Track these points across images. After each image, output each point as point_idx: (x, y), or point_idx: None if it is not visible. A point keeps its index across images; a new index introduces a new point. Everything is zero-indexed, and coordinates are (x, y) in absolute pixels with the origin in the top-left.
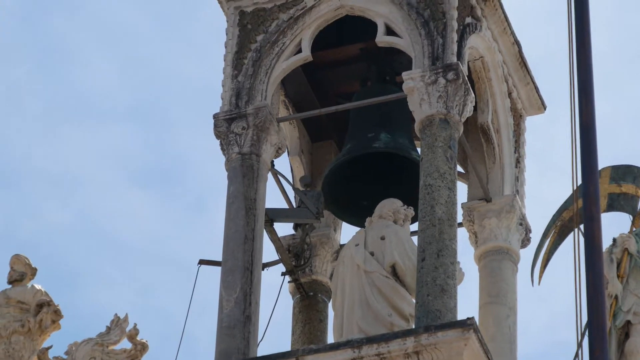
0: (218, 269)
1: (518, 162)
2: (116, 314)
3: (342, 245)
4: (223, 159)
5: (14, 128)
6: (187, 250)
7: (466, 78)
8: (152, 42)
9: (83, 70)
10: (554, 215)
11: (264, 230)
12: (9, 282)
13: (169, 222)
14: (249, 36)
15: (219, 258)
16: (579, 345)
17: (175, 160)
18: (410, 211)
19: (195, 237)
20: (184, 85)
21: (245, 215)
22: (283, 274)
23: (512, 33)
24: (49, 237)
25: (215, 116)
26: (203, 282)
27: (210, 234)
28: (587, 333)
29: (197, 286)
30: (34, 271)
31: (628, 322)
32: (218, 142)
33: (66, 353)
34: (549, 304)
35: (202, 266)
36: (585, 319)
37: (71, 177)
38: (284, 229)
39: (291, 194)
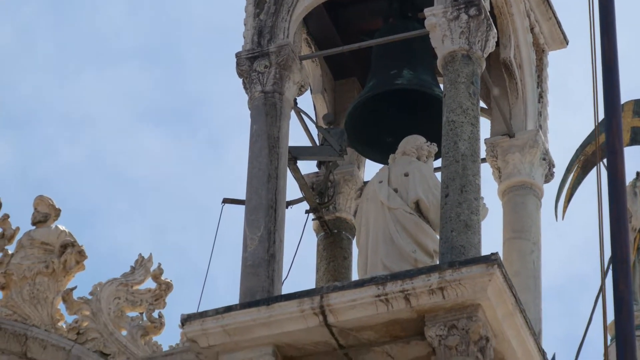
0: (237, 207)
1: (541, 97)
2: (140, 254)
3: (365, 182)
4: (237, 97)
5: (25, 68)
6: (201, 188)
7: (488, 13)
8: None
9: (93, 9)
10: (577, 150)
11: (288, 169)
12: (33, 224)
13: (182, 160)
14: None
15: (236, 195)
16: (603, 279)
17: (188, 99)
18: (434, 147)
19: (209, 175)
20: (194, 23)
21: (268, 153)
22: (307, 211)
23: None
24: (63, 177)
25: (237, 55)
26: (222, 221)
27: (224, 172)
28: (610, 267)
29: (214, 226)
30: (57, 212)
31: None
32: (234, 80)
33: (91, 293)
34: (570, 238)
35: (226, 205)
36: (608, 254)
37: (83, 116)
38: (307, 166)
39: (314, 131)
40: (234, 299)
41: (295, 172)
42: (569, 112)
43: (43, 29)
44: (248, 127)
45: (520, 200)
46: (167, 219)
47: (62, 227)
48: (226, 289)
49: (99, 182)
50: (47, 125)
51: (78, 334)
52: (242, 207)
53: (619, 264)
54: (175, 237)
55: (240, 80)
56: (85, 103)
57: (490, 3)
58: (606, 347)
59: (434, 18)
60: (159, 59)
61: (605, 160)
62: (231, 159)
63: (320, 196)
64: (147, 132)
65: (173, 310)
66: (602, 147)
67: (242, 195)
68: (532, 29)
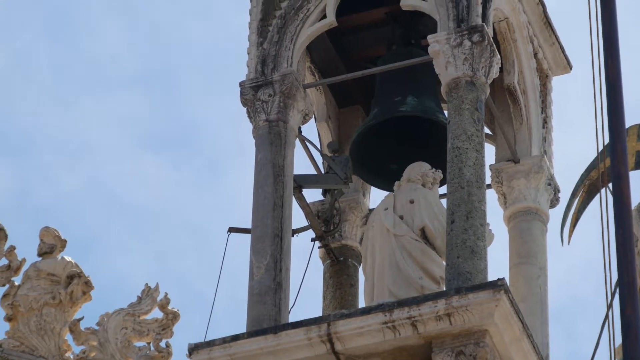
0: (239, 235)
1: (545, 122)
2: (147, 284)
3: (371, 210)
4: (235, 122)
5: (22, 95)
6: (200, 214)
7: (491, 40)
8: (161, 8)
9: (91, 36)
10: (582, 175)
11: (293, 197)
12: (39, 255)
13: (181, 186)
14: (274, 3)
15: (237, 221)
16: (609, 305)
17: (186, 125)
18: (439, 174)
19: (209, 201)
20: (192, 50)
21: (273, 182)
22: (313, 239)
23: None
24: (62, 204)
25: (241, 84)
26: (220, 249)
27: (224, 197)
28: (616, 291)
29: (214, 253)
30: (63, 243)
31: None
32: (233, 106)
33: (98, 324)
34: (569, 260)
35: (232, 234)
36: (615, 278)
37: (81, 143)
38: (312, 195)
39: (319, 159)
40: (237, 327)
41: (301, 200)
42: (573, 137)
43: (40, 56)
44: (246, 152)
45: (526, 226)
46: (167, 246)
47: (68, 258)
48: (229, 316)
49: (98, 209)
50: (46, 153)
51: None
52: (244, 235)
53: (626, 288)
54: (176, 263)
55: (238, 106)
56: (83, 130)
57: (494, 29)
58: None
59: (437, 45)
60: (156, 85)
61: (610, 185)
62: (230, 184)
63: (325, 224)
64: (145, 159)
65: (178, 338)
66: (607, 172)
67: (244, 222)
68: (535, 55)
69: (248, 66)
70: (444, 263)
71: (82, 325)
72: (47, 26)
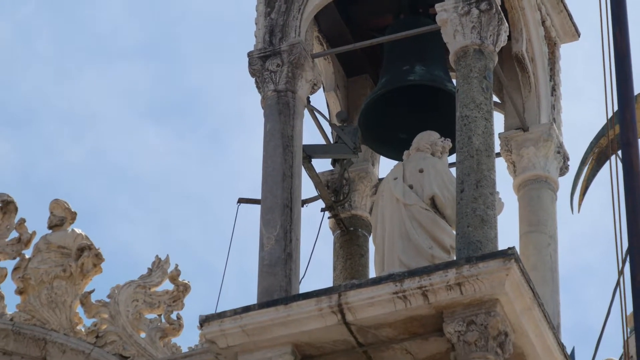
0: (252, 206)
1: (554, 90)
2: (157, 256)
3: (380, 179)
4: (240, 92)
5: (25, 67)
6: (204, 183)
7: (499, 7)
8: None
9: (92, 7)
10: (591, 142)
11: (302, 167)
12: (49, 227)
13: (184, 155)
14: None
15: (243, 191)
16: (620, 272)
17: (188, 94)
18: (448, 143)
19: (212, 170)
20: (193, 18)
21: (282, 152)
22: (322, 210)
23: None
24: (65, 175)
25: (249, 54)
26: (226, 219)
27: (227, 166)
28: (627, 259)
29: (220, 223)
30: (73, 215)
31: None
32: (236, 74)
33: (109, 296)
34: (576, 228)
35: (241, 205)
36: (626, 245)
37: (84, 114)
38: (322, 165)
39: (328, 129)
40: (248, 298)
41: (310, 170)
42: (582, 105)
43: (42, 28)
44: (250, 122)
45: (535, 194)
46: (171, 216)
47: (78, 231)
48: (239, 288)
49: (101, 180)
50: (48, 124)
51: (97, 337)
52: (252, 206)
53: (637, 254)
54: (180, 233)
55: (243, 75)
56: (86, 101)
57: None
58: (626, 338)
59: (445, 13)
60: (158, 55)
61: (620, 152)
62: (235, 153)
63: (335, 194)
64: (148, 129)
65: (189, 310)
66: (616, 139)
67: (249, 192)
68: (543, 22)
69: (256, 36)
70: (454, 232)
71: (93, 298)
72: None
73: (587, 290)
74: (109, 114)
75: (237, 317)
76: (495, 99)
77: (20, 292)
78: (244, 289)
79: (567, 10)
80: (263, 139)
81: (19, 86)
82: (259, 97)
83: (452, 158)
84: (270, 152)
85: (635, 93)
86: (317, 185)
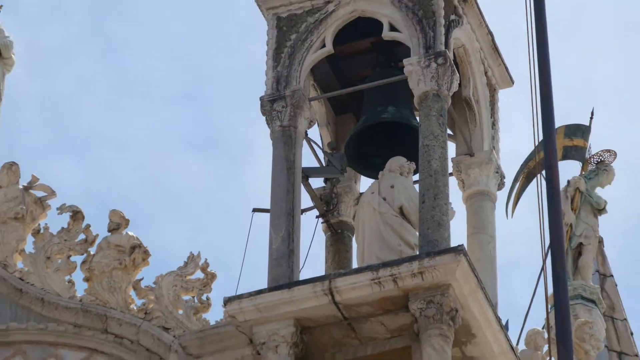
0: (264, 215)
1: (493, 124)
2: (191, 252)
3: (361, 194)
4: (255, 129)
5: (86, 106)
6: (226, 198)
7: (452, 62)
8: (193, 40)
9: (138, 59)
10: (522, 165)
11: (301, 184)
12: (109, 231)
13: (210, 177)
14: (285, 36)
15: (257, 202)
16: (544, 262)
17: (214, 129)
18: (412, 165)
19: (233, 188)
20: (219, 71)
21: (286, 173)
22: (317, 217)
23: (486, 25)
24: (120, 190)
25: (261, 98)
26: (242, 225)
27: (245, 185)
28: (548, 254)
29: (238, 228)
30: (127, 222)
31: (580, 244)
32: (252, 114)
33: (154, 283)
34: (508, 227)
35: (255, 213)
36: (547, 243)
37: (134, 143)
38: (316, 182)
39: (321, 156)
40: (260, 284)
41: (307, 186)
42: (515, 136)
43: (99, 76)
44: (261, 151)
45: (479, 204)
46: (201, 222)
47: (131, 233)
48: (254, 276)
49: (148, 194)
50: (106, 150)
51: (145, 313)
52: (266, 215)
53: (556, 251)
54: (208, 235)
55: (256, 114)
56: (135, 132)
57: (454, 53)
58: (547, 313)
59: (411, 66)
60: (190, 98)
61: (544, 172)
62: (248, 175)
63: (327, 205)
64: (183, 155)
65: (215, 293)
66: (541, 163)
67: (261, 204)
68: (486, 73)
69: (266, 84)
70: (417, 233)
71: (142, 284)
72: (102, 54)
73: (518, 277)
74: (153, 143)
75: (252, 297)
76: (449, 131)
77: (86, 280)
78: (257, 277)
79: (504, 64)
80: (272, 163)
81: (83, 120)
82: (268, 131)
83: (416, 177)
84: (277, 173)
85: (556, 127)
86: (313, 198)
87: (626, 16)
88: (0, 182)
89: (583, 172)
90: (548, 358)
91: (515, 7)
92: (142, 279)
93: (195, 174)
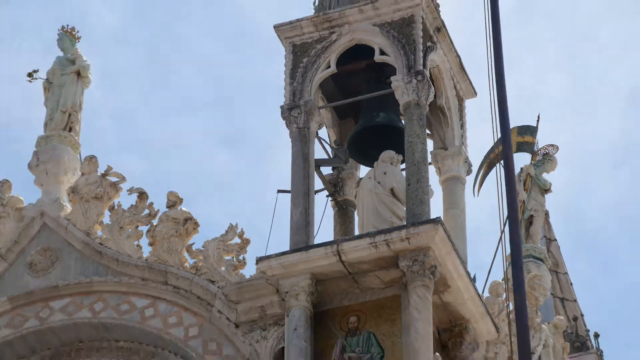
0: (286, 195)
1: (462, 126)
2: (230, 223)
3: (361, 178)
4: (277, 130)
5: (146, 114)
6: (255, 183)
7: (429, 78)
8: (226, 60)
9: (183, 79)
10: (485, 156)
11: (315, 172)
12: (167, 207)
13: (243, 168)
14: (299, 59)
15: (278, 186)
16: (502, 230)
17: (245, 131)
18: (400, 157)
19: (261, 176)
20: (247, 86)
21: (303, 163)
22: (327, 196)
23: (455, 50)
24: (175, 177)
25: (281, 106)
26: (270, 204)
27: (270, 174)
28: (506, 224)
29: (266, 205)
30: (181, 200)
31: (531, 216)
32: (273, 118)
33: (203, 246)
34: (483, 206)
35: (279, 194)
36: (505, 215)
37: (182, 142)
38: (326, 170)
39: (329, 150)
40: (283, 247)
41: (319, 173)
42: (479, 134)
43: (155, 91)
44: (284, 146)
45: (452, 186)
46: (237, 201)
47: (184, 209)
48: (278, 241)
49: (196, 183)
50: (162, 148)
51: (196, 270)
52: (288, 195)
53: (512, 222)
54: (243, 211)
55: (277, 119)
56: (182, 134)
57: (430, 72)
58: (505, 269)
59: (397, 82)
60: (223, 105)
61: (502, 162)
62: (274, 165)
63: (334, 187)
64: (219, 152)
65: (250, 254)
66: (499, 154)
67: (285, 186)
68: (455, 87)
69: (284, 96)
70: (404, 208)
71: (194, 248)
72: (157, 73)
73: (483, 241)
74: (196, 141)
75: (278, 257)
76: (427, 131)
77: (150, 244)
78: (281, 242)
79: (469, 79)
80: (291, 156)
81: (144, 125)
82: (287, 131)
83: (403, 166)
84: (295, 163)
85: (511, 127)
86: (324, 182)
87: (568, 38)
88: (84, 170)
89: (532, 162)
90: (507, 303)
91: (477, 35)
92: (193, 243)
93: (230, 164)
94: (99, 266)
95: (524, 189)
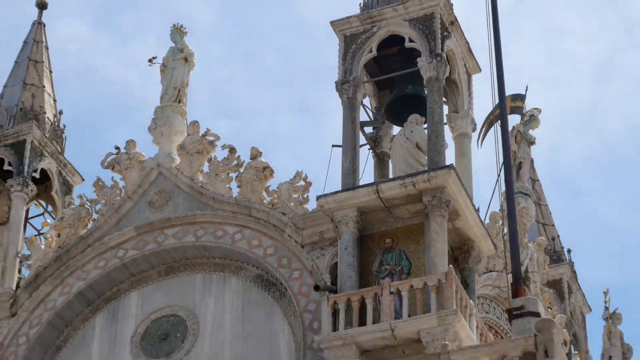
0: (338, 149)
1: (469, 94)
2: (297, 170)
3: (394, 135)
4: (333, 99)
5: (233, 88)
6: (319, 142)
7: (445, 59)
8: (300, 47)
9: (259, 59)
10: (486, 117)
11: (360, 131)
12: (251, 159)
13: (311, 131)
14: (348, 46)
15: (333, 142)
16: (499, 173)
17: (311, 102)
18: (423, 119)
19: (323, 135)
20: (309, 66)
21: (351, 124)
22: (369, 149)
23: (464, 37)
24: (252, 137)
25: (336, 82)
26: (327, 156)
27: (328, 135)
28: (502, 168)
29: (324, 159)
30: (260, 153)
31: (520, 162)
32: (334, 92)
33: (277, 188)
34: (485, 155)
35: (334, 148)
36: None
37: (262, 111)
38: (368, 129)
39: (371, 114)
40: (337, 188)
41: (363, 132)
42: (481, 101)
43: (241, 70)
44: (336, 112)
45: (461, 141)
46: (303, 154)
47: (263, 160)
48: (332, 184)
49: (271, 139)
50: (247, 116)
51: (272, 205)
52: (339, 149)
53: (507, 166)
54: (308, 162)
55: (332, 91)
56: (262, 106)
57: (446, 54)
58: (502, 202)
59: (421, 62)
60: (295, 83)
61: (499, 122)
62: (332, 126)
63: (374, 142)
64: (292, 117)
65: (312, 195)
66: (497, 115)
67: (337, 141)
68: (465, 65)
69: (338, 74)
70: (426, 158)
71: (270, 189)
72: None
73: (484, 181)
74: (274, 110)
75: (333, 195)
76: (444, 99)
77: (238, 187)
78: (335, 184)
79: (475, 59)
80: (342, 119)
81: (240, 95)
82: (339, 100)
83: (425, 126)
84: (346, 124)
85: (506, 95)
86: (366, 138)
87: (553, 22)
88: (189, 132)
89: (521, 121)
90: (502, 227)
91: (481, 24)
92: (269, 186)
93: (297, 126)
94: (200, 203)
95: (515, 142)
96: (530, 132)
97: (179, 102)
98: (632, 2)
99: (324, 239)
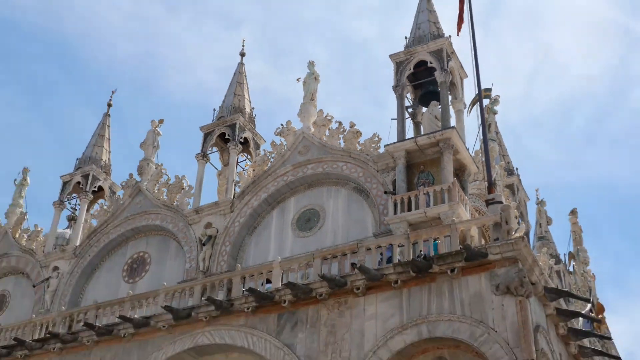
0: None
1: (462, 89)
2: (374, 132)
3: (423, 112)
4: (390, 93)
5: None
6: (374, 123)
7: (449, 72)
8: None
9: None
10: (471, 100)
11: (405, 110)
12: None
13: (365, 105)
14: (399, 67)
15: (391, 115)
16: (479, 131)
17: (359, 81)
18: (438, 103)
19: (377, 113)
20: (374, 77)
21: (401, 105)
22: (410, 120)
23: (459, 59)
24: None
25: (392, 86)
26: (388, 124)
27: (382, 113)
28: (480, 126)
29: (384, 123)
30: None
31: (489, 124)
32: (390, 91)
33: (362, 143)
34: (472, 121)
35: (392, 121)
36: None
37: (328, 92)
38: (410, 110)
39: (411, 102)
40: (393, 139)
41: (407, 110)
42: (469, 94)
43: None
44: (392, 101)
45: (459, 114)
46: (372, 124)
47: (356, 128)
48: (390, 136)
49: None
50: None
51: (361, 151)
52: (394, 121)
53: (484, 126)
54: (376, 129)
55: (390, 90)
56: (332, 89)
57: (449, 69)
58: (480, 146)
59: (437, 74)
60: (348, 66)
61: (478, 103)
62: (387, 105)
63: (412, 116)
64: (363, 100)
65: (381, 143)
66: (477, 100)
67: (394, 116)
68: (459, 74)
69: (393, 81)
70: (440, 124)
71: (360, 140)
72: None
73: (472, 135)
74: (351, 95)
75: (393, 144)
76: (449, 92)
77: (344, 141)
78: (392, 137)
79: (464, 69)
80: (396, 105)
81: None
82: (394, 95)
83: (440, 106)
84: (398, 107)
85: (482, 88)
86: (409, 114)
87: (527, 20)
88: (318, 115)
89: (490, 102)
90: (481, 157)
91: (467, 51)
92: (360, 141)
93: (377, 108)
94: (324, 151)
95: (487, 113)
96: (495, 107)
97: (312, 100)
98: None
99: (388, 167)
